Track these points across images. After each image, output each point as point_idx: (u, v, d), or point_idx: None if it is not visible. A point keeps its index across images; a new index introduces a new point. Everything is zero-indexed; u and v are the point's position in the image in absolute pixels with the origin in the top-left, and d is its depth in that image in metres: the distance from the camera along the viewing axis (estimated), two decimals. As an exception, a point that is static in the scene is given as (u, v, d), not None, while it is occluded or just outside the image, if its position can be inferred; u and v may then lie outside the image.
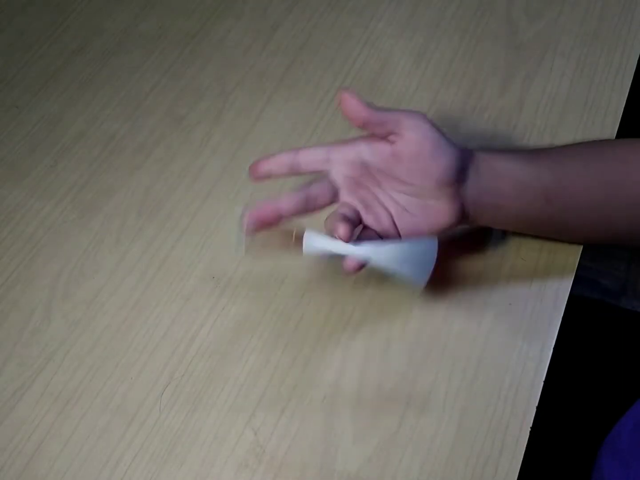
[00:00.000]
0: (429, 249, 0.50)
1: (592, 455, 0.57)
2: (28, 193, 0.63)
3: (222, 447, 0.50)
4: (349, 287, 0.56)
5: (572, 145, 0.53)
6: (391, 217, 0.51)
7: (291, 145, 0.63)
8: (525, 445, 0.49)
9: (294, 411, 0.51)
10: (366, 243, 0.49)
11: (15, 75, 0.70)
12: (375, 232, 0.51)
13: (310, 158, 0.50)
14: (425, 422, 0.50)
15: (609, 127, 0.63)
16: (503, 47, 0.69)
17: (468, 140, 0.63)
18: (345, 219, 0.49)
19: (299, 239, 0.49)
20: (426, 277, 0.50)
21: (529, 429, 0.49)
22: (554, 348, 0.52)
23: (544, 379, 0.51)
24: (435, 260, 0.49)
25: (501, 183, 0.50)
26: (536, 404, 0.50)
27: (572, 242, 0.56)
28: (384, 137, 0.49)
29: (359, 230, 0.51)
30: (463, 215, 0.50)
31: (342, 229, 0.48)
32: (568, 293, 0.55)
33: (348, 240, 0.48)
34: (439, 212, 0.50)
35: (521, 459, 0.48)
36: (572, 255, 0.56)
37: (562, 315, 0.54)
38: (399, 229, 0.51)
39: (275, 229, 0.50)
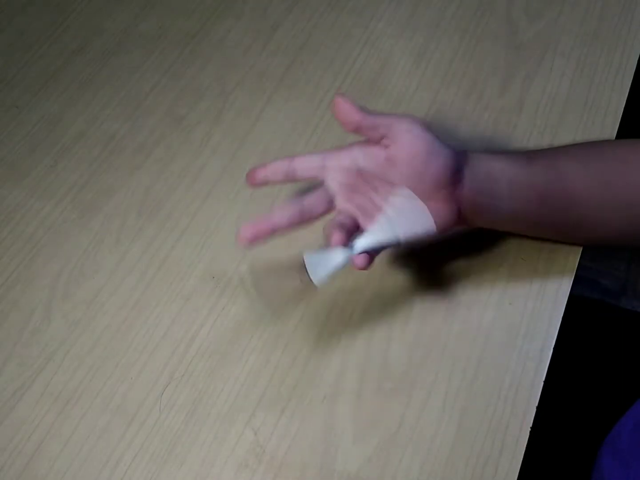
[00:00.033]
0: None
1: (592, 455, 0.57)
2: (28, 193, 0.63)
3: (222, 447, 0.50)
4: (349, 287, 0.56)
5: (570, 145, 0.53)
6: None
7: (291, 145, 0.64)
8: (525, 445, 0.49)
9: (294, 411, 0.51)
10: (360, 238, 0.49)
11: (15, 75, 0.70)
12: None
13: (306, 165, 0.51)
14: (425, 422, 0.50)
15: (609, 127, 0.63)
16: (503, 47, 0.69)
17: (468, 140, 0.63)
18: (341, 226, 0.49)
19: (303, 271, 0.49)
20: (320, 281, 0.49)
21: (529, 429, 0.49)
22: (554, 348, 0.52)
23: (544, 379, 0.51)
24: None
25: (496, 184, 0.50)
26: (536, 404, 0.50)
27: (571, 243, 0.56)
28: (378, 142, 0.49)
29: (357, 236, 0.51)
30: (459, 216, 0.50)
31: (335, 236, 0.48)
32: (568, 293, 0.55)
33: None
34: (435, 215, 0.50)
35: (521, 459, 0.48)
36: (572, 255, 0.56)
37: (562, 315, 0.54)
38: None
39: (278, 275, 0.50)
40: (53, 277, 0.58)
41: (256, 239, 0.50)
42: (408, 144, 0.48)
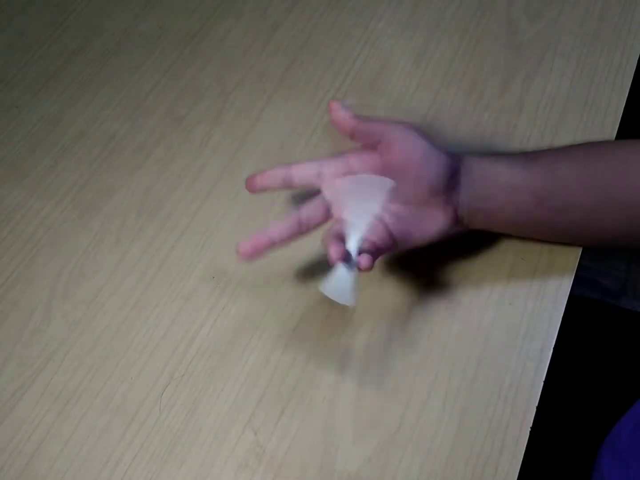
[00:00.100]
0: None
1: (592, 455, 0.57)
2: (28, 193, 0.63)
3: (222, 447, 0.50)
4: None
5: (569, 146, 0.53)
6: (386, 226, 0.51)
7: (291, 145, 0.64)
8: (525, 445, 0.49)
9: (294, 411, 0.51)
10: (349, 241, 0.49)
11: (15, 75, 0.70)
12: (372, 241, 0.51)
13: (302, 173, 0.51)
14: (425, 422, 0.50)
15: (609, 127, 0.63)
16: (503, 47, 0.69)
17: (468, 140, 0.63)
18: (338, 236, 0.49)
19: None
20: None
21: (529, 429, 0.49)
22: (554, 348, 0.52)
23: (544, 379, 0.51)
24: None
25: (493, 188, 0.50)
26: (536, 404, 0.50)
27: (570, 244, 0.56)
28: (373, 148, 0.49)
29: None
30: (456, 220, 0.51)
31: (333, 251, 0.47)
32: (568, 293, 0.55)
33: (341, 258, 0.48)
34: (431, 218, 0.50)
35: (521, 459, 0.48)
36: (572, 255, 0.56)
37: (562, 315, 0.54)
38: (394, 238, 0.51)
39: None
40: (53, 277, 0.58)
41: (256, 254, 0.50)
42: (402, 152, 0.48)
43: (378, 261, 0.50)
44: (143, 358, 0.54)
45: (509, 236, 0.57)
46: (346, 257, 0.48)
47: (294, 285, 0.56)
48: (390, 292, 0.55)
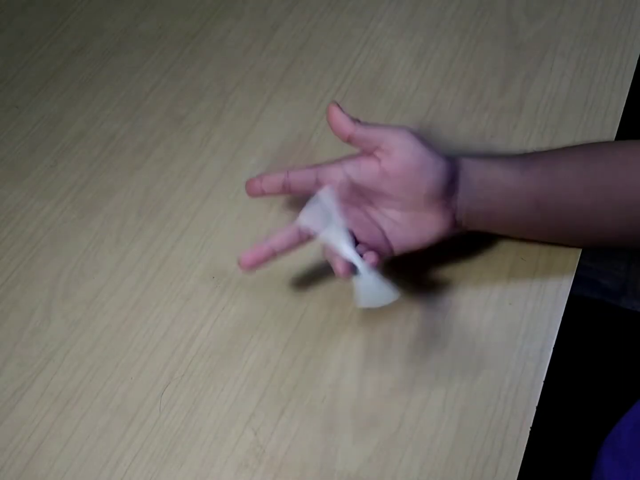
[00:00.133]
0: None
1: (592, 455, 0.57)
2: (28, 193, 0.63)
3: (222, 447, 0.50)
4: (349, 287, 0.56)
5: (569, 147, 0.53)
6: (383, 232, 0.51)
7: (291, 146, 0.64)
8: (525, 445, 0.49)
9: (294, 411, 0.51)
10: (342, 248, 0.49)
11: (15, 75, 0.70)
12: (368, 247, 0.51)
13: (300, 179, 0.51)
14: (425, 422, 0.50)
15: (609, 127, 0.63)
16: (503, 47, 0.69)
17: (468, 140, 0.63)
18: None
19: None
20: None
21: (529, 429, 0.49)
22: (554, 348, 0.52)
23: (544, 379, 0.51)
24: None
25: (491, 192, 0.50)
26: (536, 404, 0.50)
27: (570, 245, 0.56)
28: (370, 153, 0.49)
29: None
30: (454, 224, 0.51)
31: (339, 268, 0.48)
32: (568, 293, 0.55)
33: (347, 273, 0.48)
34: (430, 224, 0.50)
35: (521, 459, 0.48)
36: (572, 255, 0.56)
37: (562, 315, 0.54)
38: (391, 243, 0.51)
39: None
40: (53, 277, 0.58)
41: (257, 264, 0.50)
42: (400, 159, 0.48)
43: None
44: (143, 358, 0.54)
45: (508, 236, 0.57)
46: (353, 267, 0.48)
47: (294, 285, 0.56)
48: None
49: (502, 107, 0.65)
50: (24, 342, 0.55)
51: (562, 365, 0.55)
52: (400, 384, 0.52)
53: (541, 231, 0.54)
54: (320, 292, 0.56)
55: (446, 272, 0.56)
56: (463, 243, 0.56)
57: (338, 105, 0.49)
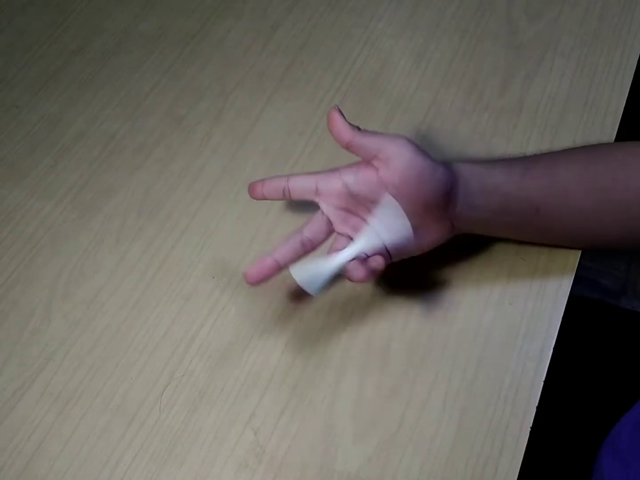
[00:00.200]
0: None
1: (592, 455, 0.57)
2: (28, 193, 0.63)
3: (222, 447, 0.50)
4: (349, 287, 0.56)
5: (568, 150, 0.53)
6: (382, 240, 0.51)
7: (291, 145, 0.64)
8: (525, 445, 0.49)
9: (294, 411, 0.51)
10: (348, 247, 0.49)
11: (15, 75, 0.70)
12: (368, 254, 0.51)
13: (300, 187, 0.51)
14: (425, 422, 0.50)
15: (609, 127, 0.63)
16: (503, 47, 0.69)
17: (468, 140, 0.63)
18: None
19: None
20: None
21: (529, 429, 0.49)
22: (554, 348, 0.52)
23: (544, 379, 0.51)
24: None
25: (491, 198, 0.50)
26: (536, 404, 0.50)
27: (570, 247, 0.56)
28: (368, 161, 0.49)
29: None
30: (453, 229, 0.51)
31: (360, 272, 0.48)
32: (568, 293, 0.55)
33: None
34: (428, 231, 0.50)
35: (521, 459, 0.48)
36: (572, 255, 0.56)
37: (562, 315, 0.54)
38: (389, 250, 0.51)
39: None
40: (53, 277, 0.58)
41: (263, 278, 0.50)
42: (398, 169, 0.48)
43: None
44: (143, 358, 0.54)
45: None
46: (335, 258, 0.49)
47: (294, 285, 0.56)
48: (390, 292, 0.55)
49: (502, 107, 0.65)
50: (24, 342, 0.55)
51: (562, 365, 0.55)
52: (400, 384, 0.52)
53: (541, 235, 0.54)
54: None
55: (446, 272, 0.56)
56: (463, 243, 0.56)
57: (339, 111, 0.49)
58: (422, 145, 0.50)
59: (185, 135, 0.65)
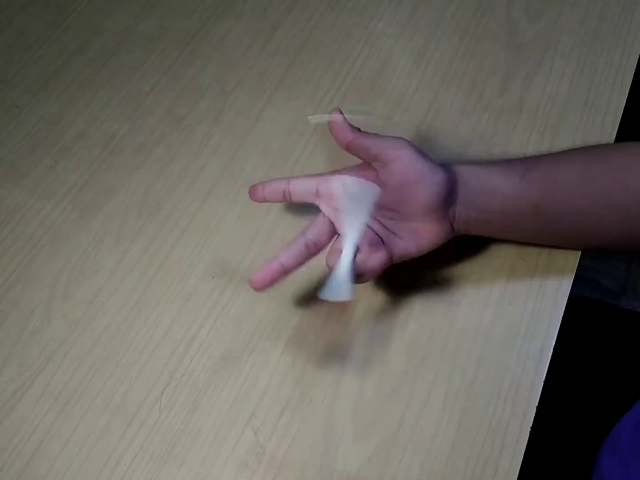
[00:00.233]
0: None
1: (592, 455, 0.57)
2: (28, 193, 0.63)
3: (222, 447, 0.50)
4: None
5: (568, 151, 0.53)
6: (382, 241, 0.51)
7: (291, 145, 0.64)
8: (525, 445, 0.49)
9: (294, 411, 0.51)
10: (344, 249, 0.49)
11: (15, 75, 0.70)
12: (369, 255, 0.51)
13: (301, 189, 0.51)
14: (425, 422, 0.50)
15: (609, 127, 0.63)
16: (503, 47, 0.69)
17: (468, 140, 0.63)
18: (338, 251, 0.49)
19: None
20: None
21: (529, 429, 0.49)
22: (554, 348, 0.52)
23: (544, 379, 0.51)
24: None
25: (490, 200, 0.50)
26: (536, 404, 0.50)
27: (570, 248, 0.56)
28: (368, 163, 0.49)
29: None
30: (452, 231, 0.51)
31: (329, 261, 0.48)
32: (568, 293, 0.55)
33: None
34: (428, 233, 0.50)
35: (521, 459, 0.48)
36: (572, 255, 0.56)
37: (562, 315, 0.54)
38: (390, 252, 0.51)
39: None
40: (53, 277, 0.58)
41: (270, 283, 0.50)
42: (397, 172, 0.48)
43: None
44: (143, 358, 0.54)
45: (509, 236, 0.57)
46: (341, 262, 0.49)
47: (294, 285, 0.56)
48: (391, 292, 0.55)
49: (502, 107, 0.65)
50: (24, 342, 0.55)
51: (562, 365, 0.55)
52: (400, 384, 0.52)
53: (541, 236, 0.54)
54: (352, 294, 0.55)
55: (446, 272, 0.56)
56: (463, 243, 0.56)
57: (340, 112, 0.49)
58: (422, 145, 0.50)
59: (185, 135, 0.65)
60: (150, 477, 0.49)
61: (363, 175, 0.50)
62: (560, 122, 0.63)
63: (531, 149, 0.61)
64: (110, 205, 0.62)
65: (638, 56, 0.67)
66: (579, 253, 0.56)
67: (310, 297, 0.55)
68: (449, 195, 0.49)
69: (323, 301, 0.48)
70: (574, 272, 0.55)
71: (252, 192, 0.53)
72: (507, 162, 0.52)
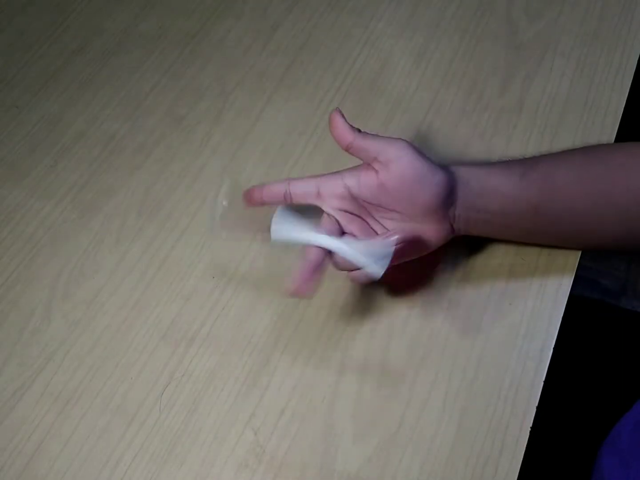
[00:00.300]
0: (387, 247, 0.48)
1: (592, 455, 0.57)
2: (28, 193, 0.63)
3: (222, 447, 0.50)
4: (349, 286, 0.56)
5: (567, 152, 0.53)
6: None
7: (291, 145, 0.64)
8: (525, 445, 0.49)
9: (294, 411, 0.51)
10: (331, 236, 0.49)
11: (15, 75, 0.70)
12: None
13: (302, 191, 0.51)
14: (425, 422, 0.50)
15: (609, 127, 0.63)
16: (503, 47, 0.69)
17: (468, 140, 0.63)
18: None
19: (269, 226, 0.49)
20: (383, 270, 0.48)
21: (529, 429, 0.49)
22: (554, 348, 0.52)
23: (544, 379, 0.51)
24: (391, 257, 0.48)
25: (490, 200, 0.50)
26: (536, 404, 0.50)
27: (569, 248, 0.56)
28: (369, 164, 0.49)
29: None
30: (452, 232, 0.51)
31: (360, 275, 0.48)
32: (568, 293, 0.55)
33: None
34: (427, 233, 0.50)
35: (521, 459, 0.48)
36: (572, 255, 0.56)
37: (562, 315, 0.54)
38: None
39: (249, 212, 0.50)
40: (53, 277, 0.58)
41: (312, 283, 0.49)
42: (397, 172, 0.48)
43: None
44: (143, 358, 0.54)
45: (509, 236, 0.57)
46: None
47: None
48: (391, 291, 0.55)
49: (502, 107, 0.65)
50: (24, 342, 0.55)
51: (562, 365, 0.55)
52: (400, 384, 0.52)
53: (541, 236, 0.54)
54: (321, 292, 0.55)
55: (446, 272, 0.56)
56: (463, 243, 0.56)
57: (340, 113, 0.49)
58: (422, 145, 0.50)
59: (185, 135, 0.65)
60: (150, 477, 0.49)
61: (363, 175, 0.50)
62: (560, 122, 0.63)
63: (531, 149, 0.61)
64: (110, 205, 0.62)
65: (638, 56, 0.67)
66: (579, 253, 0.56)
67: (310, 298, 0.55)
68: (449, 196, 0.49)
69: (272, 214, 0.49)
70: (574, 272, 0.55)
71: (249, 196, 0.53)
72: (507, 163, 0.52)
